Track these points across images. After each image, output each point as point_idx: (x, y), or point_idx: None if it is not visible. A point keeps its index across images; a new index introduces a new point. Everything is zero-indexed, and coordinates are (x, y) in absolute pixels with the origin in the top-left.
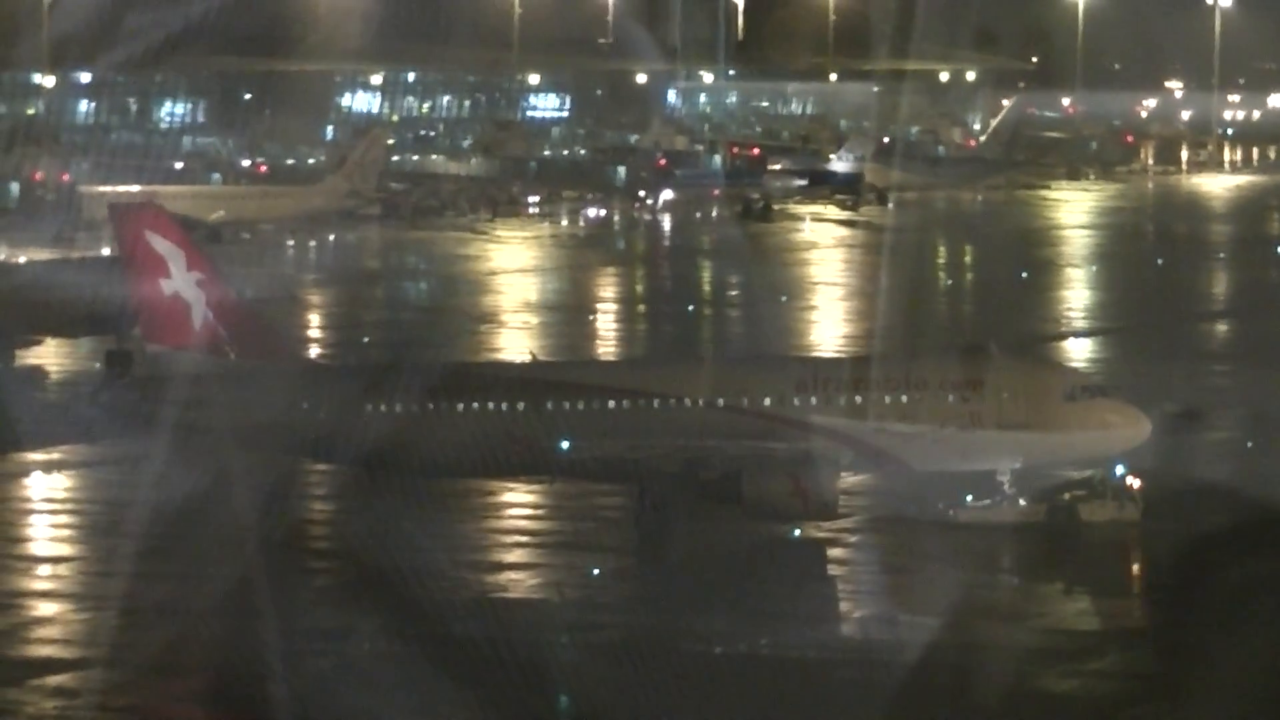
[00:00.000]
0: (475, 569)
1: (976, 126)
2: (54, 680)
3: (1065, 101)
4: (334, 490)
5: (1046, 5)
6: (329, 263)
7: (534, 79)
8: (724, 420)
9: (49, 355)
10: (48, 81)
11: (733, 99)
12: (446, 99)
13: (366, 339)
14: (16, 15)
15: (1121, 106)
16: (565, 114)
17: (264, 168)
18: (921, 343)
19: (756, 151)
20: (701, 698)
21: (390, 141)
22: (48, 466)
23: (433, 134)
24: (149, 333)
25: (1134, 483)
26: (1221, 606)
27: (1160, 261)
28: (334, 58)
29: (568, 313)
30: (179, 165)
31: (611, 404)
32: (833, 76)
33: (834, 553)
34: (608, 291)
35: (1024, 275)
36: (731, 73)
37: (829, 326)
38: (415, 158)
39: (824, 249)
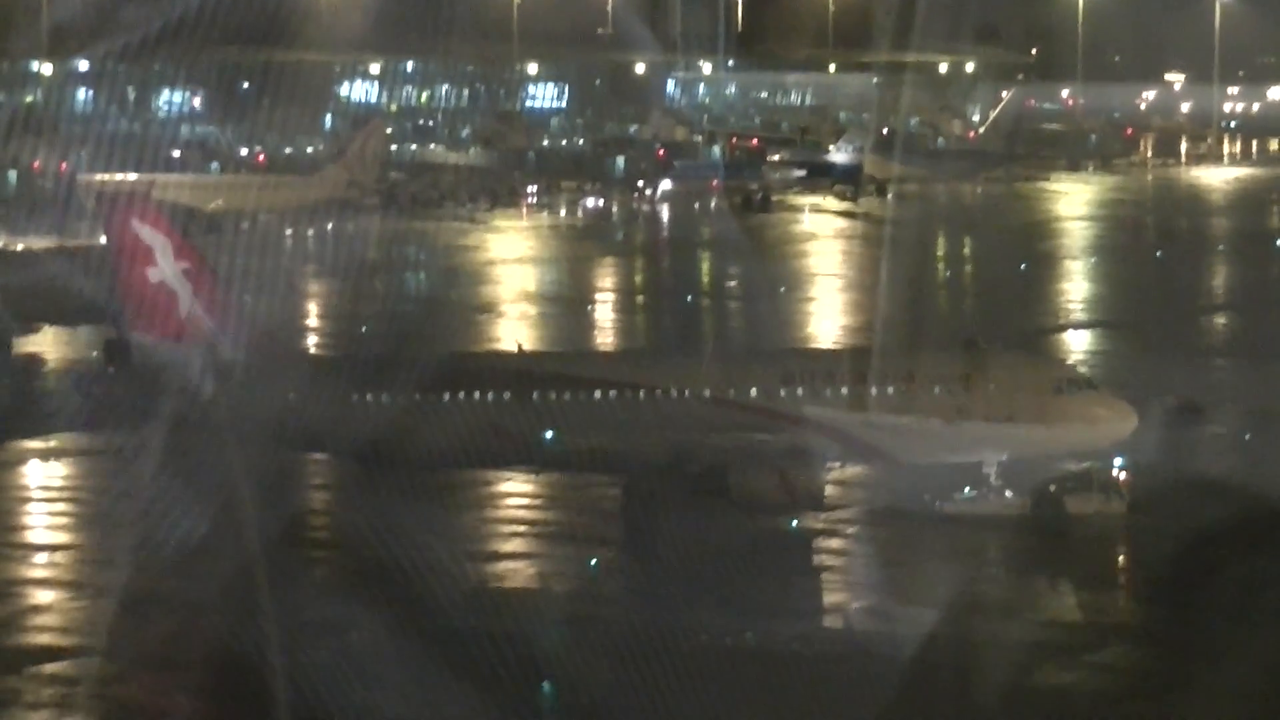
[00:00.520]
0: (468, 559)
1: (976, 119)
2: (51, 668)
3: (1065, 94)
4: (326, 481)
5: None
6: (327, 253)
7: (533, 70)
8: (711, 413)
9: (47, 344)
10: (46, 70)
11: (732, 91)
12: (446, 89)
13: (364, 329)
14: (15, 4)
15: (1121, 99)
16: (564, 105)
17: (263, 158)
18: (920, 335)
19: (756, 143)
20: (689, 690)
21: (389, 132)
22: (45, 455)
23: (432, 125)
24: (135, 322)
25: (1121, 476)
26: (1204, 600)
27: (1159, 254)
28: (333, 48)
29: (565, 304)
30: (177, 154)
31: (598, 396)
32: (832, 68)
33: (820, 545)
34: (605, 283)
35: (1023, 268)
36: (731, 64)
37: (827, 319)
38: (414, 148)
39: (823, 240)
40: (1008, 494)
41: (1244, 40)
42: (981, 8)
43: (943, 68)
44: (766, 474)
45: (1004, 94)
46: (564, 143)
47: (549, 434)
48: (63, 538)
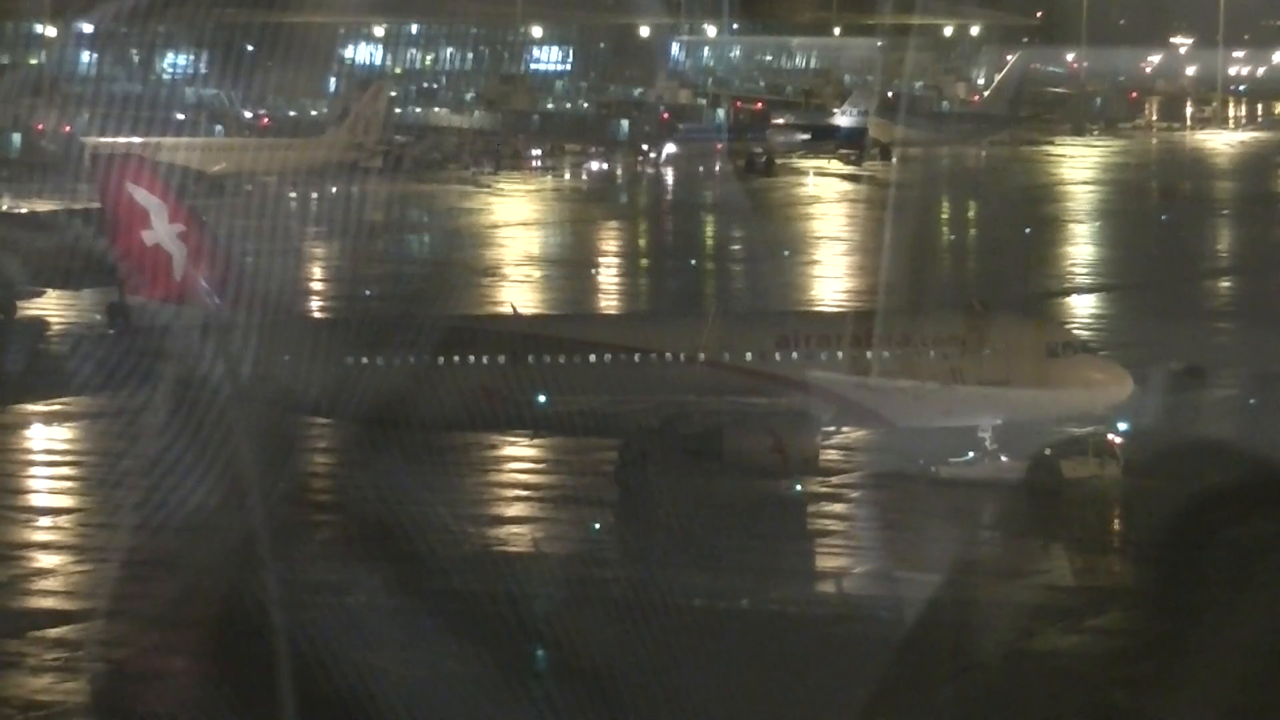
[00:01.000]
0: (461, 521)
1: (981, 82)
2: (55, 632)
3: (1069, 57)
4: (324, 443)
5: None
6: (330, 215)
7: (538, 32)
8: (705, 376)
9: (51, 306)
10: (50, 32)
11: (736, 53)
12: (450, 52)
13: (367, 292)
14: None
15: (1126, 63)
16: (569, 68)
17: (267, 120)
18: (919, 299)
19: (760, 106)
20: (681, 651)
21: (393, 94)
22: (48, 418)
23: (436, 87)
24: (130, 284)
25: (1117, 440)
26: (1200, 563)
27: (1164, 218)
28: (337, 10)
29: (568, 267)
30: (181, 117)
31: (593, 359)
32: (836, 31)
33: (813, 509)
34: (609, 246)
35: (1027, 231)
36: (735, 27)
37: (827, 282)
38: (418, 111)
39: (827, 204)
40: (1003, 458)
41: (1250, 3)
42: None
43: (947, 31)
44: (760, 437)
45: (1008, 57)
46: (568, 105)
47: (542, 397)
48: (65, 501)
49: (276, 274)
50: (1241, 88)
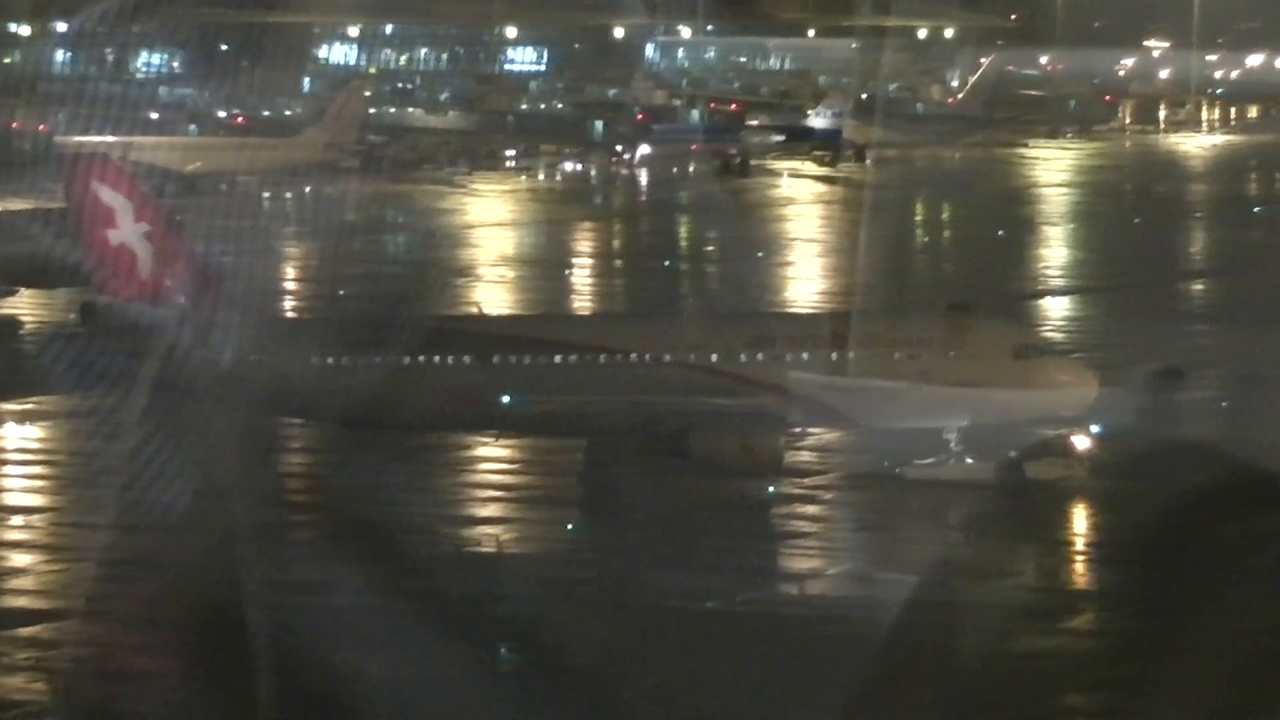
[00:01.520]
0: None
1: (956, 84)
2: (27, 631)
3: (1045, 60)
4: (297, 444)
5: None
6: (305, 215)
7: (513, 33)
8: (673, 376)
9: (25, 306)
10: (25, 31)
11: (712, 54)
12: (425, 52)
13: (340, 292)
14: None
15: (1101, 65)
16: (544, 68)
17: (242, 119)
18: (889, 300)
19: (735, 107)
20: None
21: (369, 94)
22: (20, 417)
23: (411, 87)
24: (98, 283)
25: (1085, 442)
26: (1173, 565)
27: (1137, 220)
28: (313, 10)
29: (542, 267)
30: (156, 116)
31: (561, 359)
32: (812, 33)
33: (781, 509)
34: (582, 246)
35: (1001, 233)
36: (711, 28)
37: (798, 283)
38: (394, 111)
39: (801, 205)
40: (969, 460)
41: (1225, 6)
42: None
43: (923, 32)
44: (727, 437)
45: (984, 59)
46: (543, 106)
47: (509, 398)
48: (38, 500)
49: (250, 274)
50: (1219, 90)
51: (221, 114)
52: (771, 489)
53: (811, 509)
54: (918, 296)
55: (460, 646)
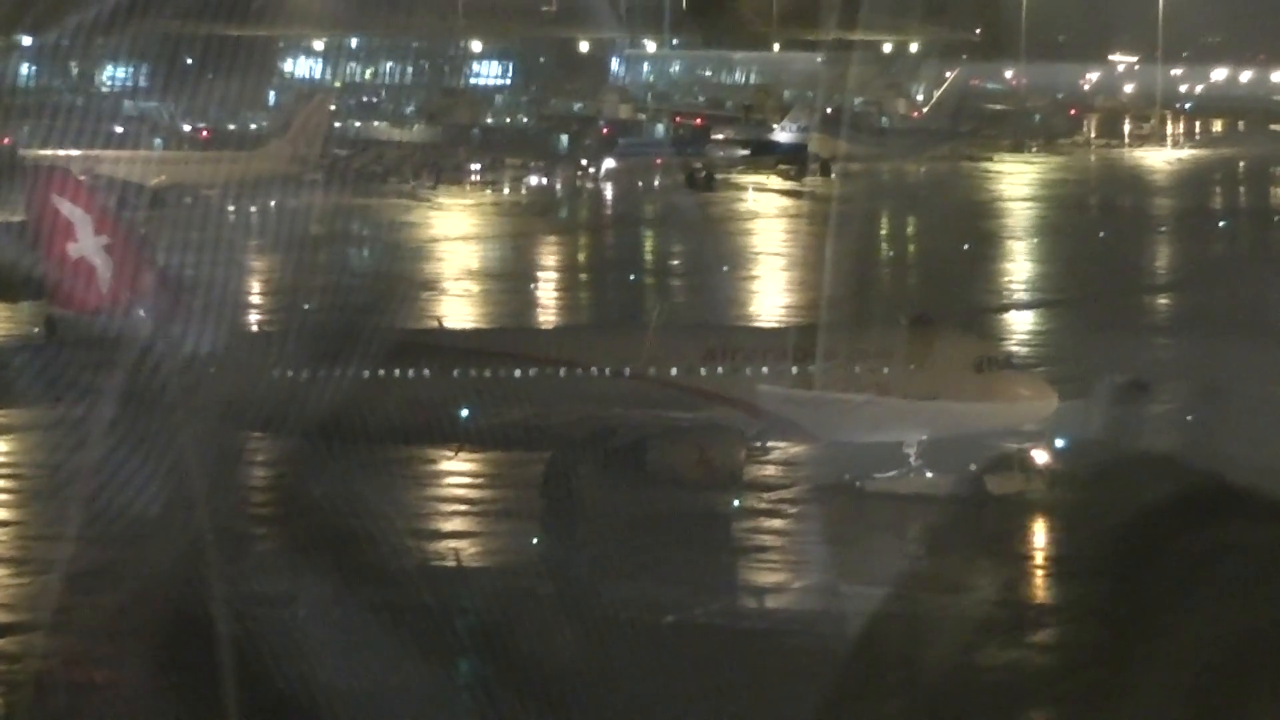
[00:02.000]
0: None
1: (921, 98)
2: None
3: (1009, 74)
4: (257, 456)
5: None
6: (271, 228)
7: (478, 46)
8: (631, 389)
9: None
10: None
11: (677, 68)
12: (390, 65)
13: (305, 305)
14: None
15: (1066, 79)
16: (510, 82)
17: (206, 133)
18: (851, 314)
19: (700, 121)
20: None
21: (333, 108)
22: None
23: (376, 100)
24: (55, 297)
25: (1044, 455)
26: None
27: (1102, 234)
28: (277, 22)
29: (505, 280)
30: (120, 129)
31: (518, 372)
32: (777, 46)
33: (740, 522)
34: (547, 260)
35: (966, 247)
36: (676, 42)
37: (761, 296)
38: (359, 124)
39: (766, 219)
40: (930, 473)
41: (1189, 20)
42: None
43: (888, 46)
44: (685, 451)
45: (949, 73)
46: (509, 119)
47: (467, 411)
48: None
49: (213, 286)
50: (1184, 104)
51: (186, 127)
52: (731, 502)
53: (771, 522)
54: (880, 310)
55: (423, 658)
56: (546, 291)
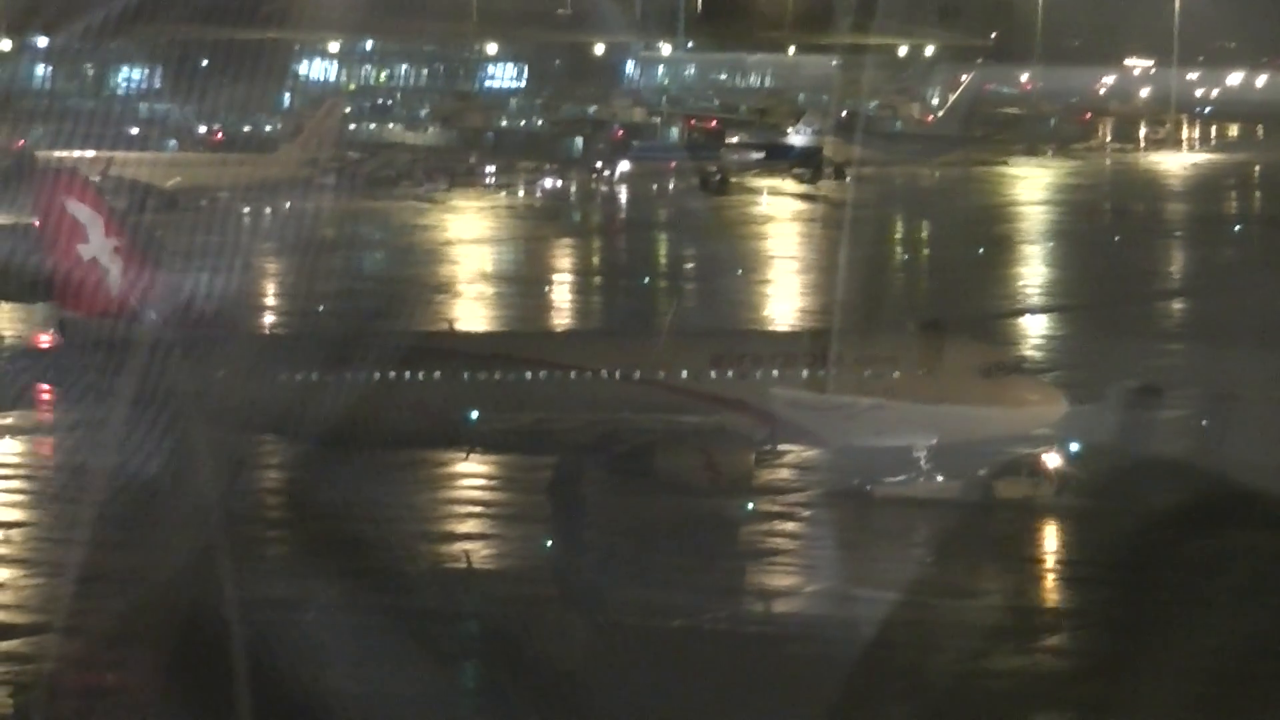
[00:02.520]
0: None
1: (935, 102)
2: (4, 646)
3: (1023, 78)
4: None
5: None
6: (283, 231)
7: (492, 50)
8: (638, 393)
9: (3, 321)
10: (4, 46)
11: (691, 72)
12: (404, 69)
13: (317, 308)
14: None
15: (1080, 84)
16: (523, 85)
17: (220, 135)
18: (863, 318)
19: (714, 124)
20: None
21: (347, 111)
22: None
23: (390, 104)
24: (64, 299)
25: (1052, 460)
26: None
27: (1116, 239)
28: (292, 26)
29: (518, 284)
30: (136, 132)
31: (528, 376)
32: (791, 50)
33: (748, 527)
34: (561, 263)
35: (980, 251)
36: (690, 45)
37: (774, 301)
38: (372, 127)
39: (780, 223)
40: (938, 478)
41: (1205, 24)
42: None
43: (901, 50)
44: (692, 455)
45: (963, 77)
46: (522, 123)
47: (477, 414)
48: (14, 515)
49: (225, 289)
50: (1199, 109)
51: (200, 130)
52: (740, 506)
53: (779, 527)
54: (892, 314)
55: (432, 662)
56: (559, 295)
